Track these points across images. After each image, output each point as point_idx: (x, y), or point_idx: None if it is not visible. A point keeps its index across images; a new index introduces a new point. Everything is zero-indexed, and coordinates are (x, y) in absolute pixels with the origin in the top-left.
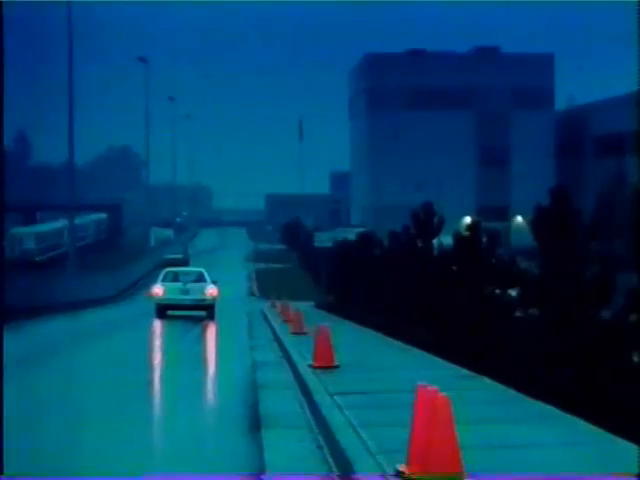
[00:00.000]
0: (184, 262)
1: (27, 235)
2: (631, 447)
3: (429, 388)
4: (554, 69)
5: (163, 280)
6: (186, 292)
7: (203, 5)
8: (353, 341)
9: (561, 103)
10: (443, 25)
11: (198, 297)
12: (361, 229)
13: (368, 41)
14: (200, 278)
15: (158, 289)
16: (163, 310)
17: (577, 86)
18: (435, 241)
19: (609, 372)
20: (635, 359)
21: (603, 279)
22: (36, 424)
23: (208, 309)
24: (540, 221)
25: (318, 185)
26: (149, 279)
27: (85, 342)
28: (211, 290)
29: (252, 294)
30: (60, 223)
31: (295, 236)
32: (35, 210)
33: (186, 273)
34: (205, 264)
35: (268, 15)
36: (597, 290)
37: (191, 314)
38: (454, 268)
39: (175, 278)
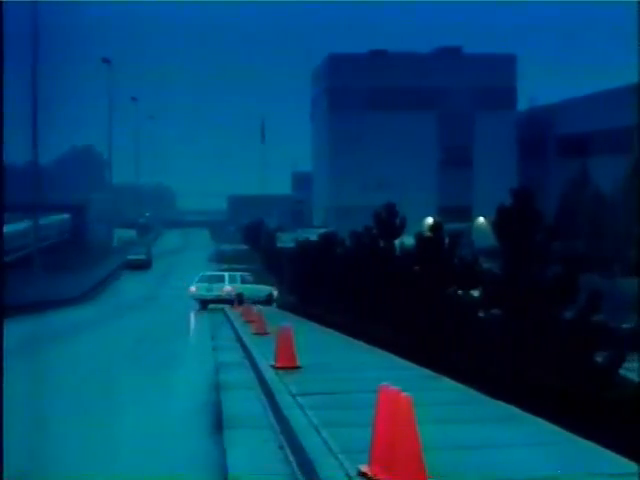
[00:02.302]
0: (147, 263)
1: None
2: (593, 447)
3: (391, 388)
4: (516, 70)
5: (197, 281)
6: (210, 290)
7: (165, 6)
8: (315, 341)
9: (523, 104)
10: (405, 25)
11: (217, 293)
12: (323, 229)
13: (330, 41)
14: (220, 279)
15: (192, 288)
16: (203, 304)
17: (539, 86)
18: (397, 242)
19: (572, 373)
20: (598, 359)
21: (566, 279)
22: None
23: (227, 301)
24: (502, 222)
25: (280, 186)
26: (113, 280)
27: (48, 344)
28: (226, 289)
29: None
30: (25, 224)
31: (257, 237)
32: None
33: (213, 275)
34: (168, 265)
35: (231, 15)
36: (560, 291)
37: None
38: (416, 269)
39: (205, 279)
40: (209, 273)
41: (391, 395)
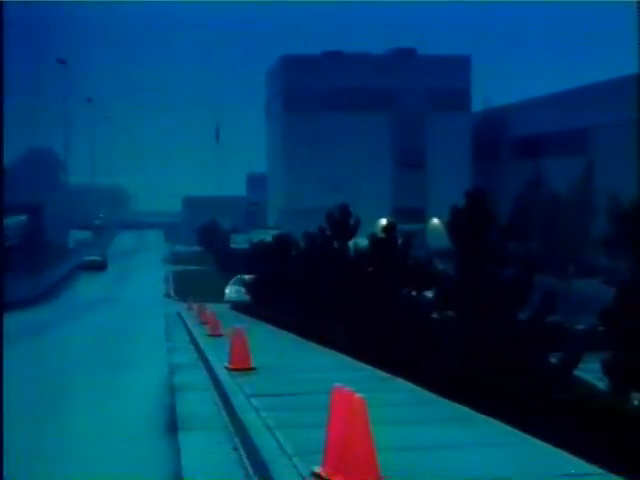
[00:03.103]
0: (102, 264)
1: None
2: (548, 448)
3: (345, 390)
4: (471, 71)
5: (232, 284)
6: (239, 292)
7: (122, 6)
8: (270, 343)
9: (478, 105)
10: (360, 26)
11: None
12: (277, 231)
13: (285, 43)
14: None
15: (227, 290)
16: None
17: (494, 87)
18: (351, 243)
19: (526, 374)
20: (553, 360)
21: (520, 280)
22: None
23: None
24: (456, 223)
25: (235, 187)
26: (69, 281)
27: (4, 345)
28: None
29: (169, 296)
30: None
31: (211, 238)
32: None
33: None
34: (123, 266)
35: (187, 16)
36: (514, 291)
37: None
38: (370, 270)
39: (237, 282)
40: (244, 276)
41: (345, 396)
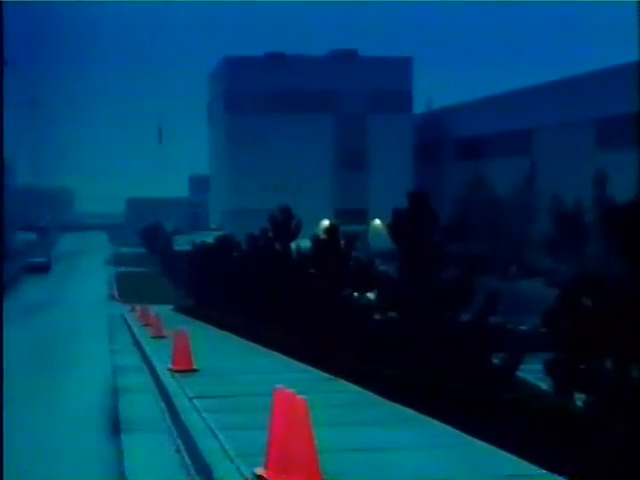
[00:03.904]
0: (47, 266)
1: None
2: (491, 449)
3: (287, 391)
4: (412, 72)
5: None
6: None
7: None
8: (212, 344)
9: (421, 106)
10: (303, 28)
11: None
12: (219, 232)
13: (228, 44)
14: None
15: None
16: None
17: (437, 89)
18: (293, 244)
19: (469, 375)
20: (496, 361)
21: (462, 281)
22: None
23: None
24: (397, 224)
25: (178, 188)
26: (13, 283)
27: None
28: None
29: (112, 298)
30: None
31: (155, 240)
32: None
33: None
34: (67, 268)
35: (129, 16)
36: (456, 292)
37: None
38: (312, 271)
39: None
40: None
41: (286, 398)
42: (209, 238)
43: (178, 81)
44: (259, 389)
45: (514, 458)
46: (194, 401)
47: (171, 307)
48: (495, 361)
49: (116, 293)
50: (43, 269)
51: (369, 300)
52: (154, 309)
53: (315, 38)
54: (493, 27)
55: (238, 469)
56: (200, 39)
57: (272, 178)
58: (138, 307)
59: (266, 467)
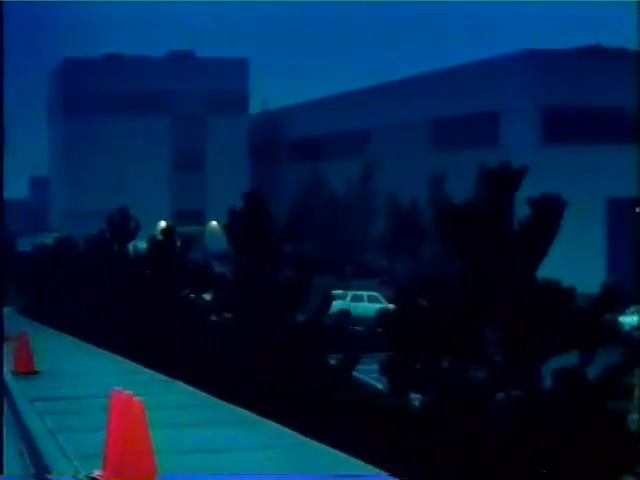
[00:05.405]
0: None
1: None
2: (326, 450)
3: (124, 393)
4: (248, 73)
5: None
6: None
7: None
8: (52, 346)
9: (257, 107)
10: (139, 28)
11: None
12: (58, 234)
13: (67, 44)
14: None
15: None
16: None
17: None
18: (131, 245)
19: (305, 375)
20: (332, 362)
21: (298, 282)
22: None
23: None
24: (233, 225)
25: (18, 190)
26: None
27: None
28: None
29: None
30: None
31: None
32: None
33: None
34: None
35: None
36: (292, 293)
37: None
38: (149, 272)
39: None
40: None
41: (123, 400)
42: (49, 239)
43: (19, 81)
44: (98, 391)
45: (351, 459)
46: (35, 403)
47: (12, 309)
48: (331, 361)
49: None
50: None
51: (206, 301)
52: None
53: (153, 39)
54: (330, 28)
55: (76, 470)
56: (39, 40)
57: (111, 179)
58: None
59: (104, 468)
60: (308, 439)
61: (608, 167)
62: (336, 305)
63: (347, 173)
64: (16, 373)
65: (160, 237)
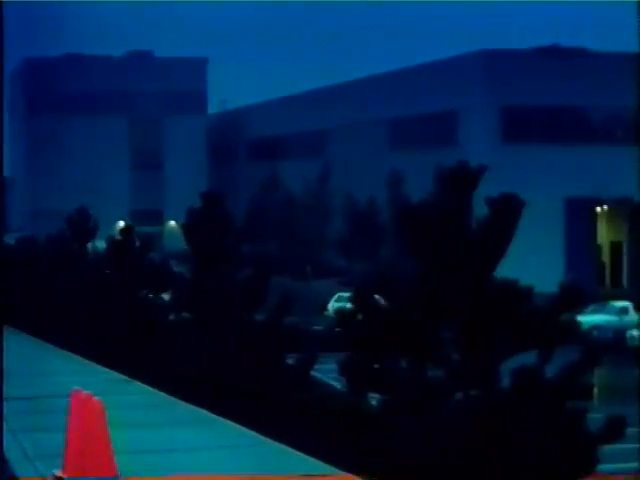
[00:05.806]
0: None
1: None
2: (283, 449)
3: (83, 393)
4: (207, 73)
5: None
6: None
7: None
8: (12, 346)
9: (216, 107)
10: (101, 28)
11: None
12: (19, 233)
13: (26, 45)
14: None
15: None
16: None
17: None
18: (90, 245)
19: (263, 375)
20: (290, 361)
21: (256, 282)
22: None
23: None
24: (191, 225)
25: None
26: None
27: None
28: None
29: None
30: None
31: None
32: None
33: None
34: None
35: None
36: (250, 293)
37: None
38: (107, 272)
39: (338, 299)
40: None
41: (82, 400)
42: (10, 239)
43: None
44: (58, 391)
45: (309, 458)
46: None
47: None
48: (289, 361)
49: None
50: None
51: (164, 301)
52: None
53: (114, 38)
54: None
55: (37, 470)
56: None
57: (70, 179)
58: None
59: (64, 468)
60: (266, 438)
61: (567, 167)
62: (336, 305)
63: (305, 173)
64: None
65: (119, 237)
